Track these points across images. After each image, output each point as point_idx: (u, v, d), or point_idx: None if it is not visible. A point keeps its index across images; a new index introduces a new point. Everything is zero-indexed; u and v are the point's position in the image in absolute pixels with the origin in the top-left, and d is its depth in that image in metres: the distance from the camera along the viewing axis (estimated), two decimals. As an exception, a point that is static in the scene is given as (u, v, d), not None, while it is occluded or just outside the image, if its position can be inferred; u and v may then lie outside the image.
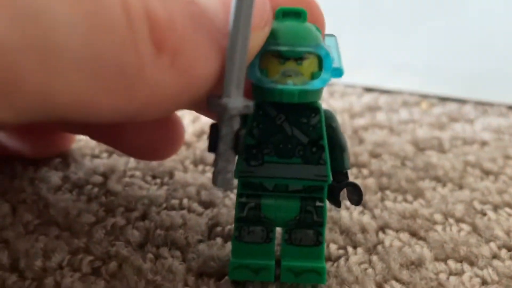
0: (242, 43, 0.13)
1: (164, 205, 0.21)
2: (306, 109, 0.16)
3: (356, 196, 0.17)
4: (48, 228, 0.19)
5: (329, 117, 0.17)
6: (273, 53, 0.15)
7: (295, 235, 0.17)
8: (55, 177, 0.22)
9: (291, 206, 0.17)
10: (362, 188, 0.17)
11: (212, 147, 0.14)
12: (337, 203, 0.17)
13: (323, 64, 0.15)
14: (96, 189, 0.21)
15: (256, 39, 0.14)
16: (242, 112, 0.14)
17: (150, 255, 0.18)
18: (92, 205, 0.20)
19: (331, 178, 0.16)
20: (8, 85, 0.10)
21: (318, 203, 0.17)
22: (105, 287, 0.17)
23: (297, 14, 0.15)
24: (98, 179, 0.22)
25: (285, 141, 0.16)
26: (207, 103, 0.14)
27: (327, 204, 0.17)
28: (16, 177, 0.22)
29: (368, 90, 0.33)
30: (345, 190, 0.17)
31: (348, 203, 0.17)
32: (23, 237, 0.19)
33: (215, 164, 0.14)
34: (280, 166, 0.16)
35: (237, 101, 0.13)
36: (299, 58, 0.15)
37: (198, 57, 0.13)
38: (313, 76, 0.15)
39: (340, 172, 0.17)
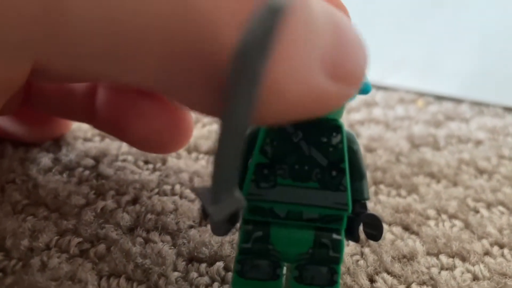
0: (239, 127, 0.10)
1: (156, 190, 0.20)
2: (327, 128, 0.14)
3: (376, 231, 0.15)
4: (36, 208, 0.19)
5: (351, 139, 0.15)
6: None
7: (307, 272, 0.14)
8: (46, 158, 0.22)
9: (304, 238, 0.14)
10: (382, 221, 0.15)
11: (204, 216, 0.13)
12: (355, 238, 0.15)
13: None
14: (87, 172, 0.21)
15: (332, 96, 0.11)
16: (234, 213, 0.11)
17: (139, 239, 0.18)
18: (83, 188, 0.20)
19: (351, 208, 0.14)
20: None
21: (335, 236, 0.14)
22: (93, 269, 0.16)
23: None
24: (90, 162, 0.22)
25: (302, 162, 0.14)
26: (196, 193, 0.12)
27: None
28: (6, 157, 0.22)
29: (365, 86, 0.32)
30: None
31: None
32: (11, 216, 0.18)
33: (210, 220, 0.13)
34: (295, 190, 0.14)
35: (226, 208, 0.11)
36: None
37: None
38: None
39: (358, 202, 0.15)
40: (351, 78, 0.11)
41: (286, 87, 0.10)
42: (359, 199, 0.15)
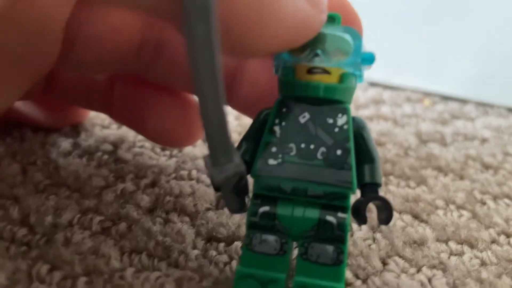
0: (214, 93, 0.11)
1: (174, 175, 0.21)
2: (333, 109, 0.15)
3: (385, 214, 0.15)
4: (58, 188, 0.19)
5: (360, 125, 0.15)
6: (300, 49, 0.14)
7: (312, 250, 0.14)
8: (66, 143, 0.22)
9: (309, 215, 0.14)
10: (392, 206, 0.15)
11: (215, 187, 0.14)
12: (362, 219, 0.15)
13: (352, 49, 0.14)
14: (106, 156, 0.22)
15: (312, 20, 0.13)
16: (233, 178, 0.13)
17: (159, 219, 0.18)
18: (102, 171, 0.21)
19: (356, 187, 0.14)
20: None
21: (340, 214, 0.14)
22: (115, 245, 0.17)
23: (330, 19, 0.15)
24: (108, 147, 0.22)
25: (308, 141, 0.14)
26: (204, 162, 0.13)
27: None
28: (26, 140, 0.22)
29: (373, 84, 0.33)
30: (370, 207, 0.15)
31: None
32: (34, 195, 0.19)
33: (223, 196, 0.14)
34: (301, 168, 0.14)
35: (225, 170, 0.12)
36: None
37: None
38: (343, 77, 0.15)
39: (369, 186, 0.15)
40: (321, 5, 0.13)
41: (281, 5, 0.12)
42: (369, 182, 0.15)
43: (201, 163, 0.22)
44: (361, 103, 0.30)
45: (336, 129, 0.14)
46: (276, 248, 0.14)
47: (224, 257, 0.17)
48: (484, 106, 0.32)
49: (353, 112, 0.29)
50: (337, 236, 0.14)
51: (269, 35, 0.12)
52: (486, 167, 0.25)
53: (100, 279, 0.15)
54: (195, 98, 0.15)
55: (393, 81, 0.33)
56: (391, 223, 0.20)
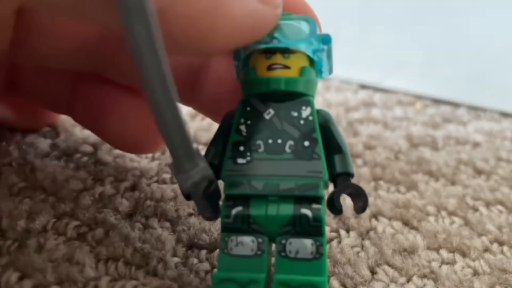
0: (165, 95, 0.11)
1: (155, 178, 0.20)
2: (297, 103, 0.15)
3: (361, 202, 0.15)
4: (33, 191, 0.18)
5: (326, 117, 0.15)
6: (260, 51, 0.15)
7: (290, 246, 0.14)
8: (44, 144, 0.21)
9: (283, 210, 0.14)
10: (367, 193, 0.15)
11: (186, 196, 0.14)
12: (336, 210, 0.15)
13: (308, 30, 0.15)
14: (85, 158, 0.21)
15: (265, 17, 0.14)
16: (202, 184, 0.12)
17: (138, 225, 0.17)
18: (81, 173, 0.20)
19: (327, 175, 0.14)
20: None
21: (314, 205, 0.14)
22: (91, 252, 0.16)
23: (287, 15, 0.15)
24: (88, 148, 0.21)
25: (275, 136, 0.15)
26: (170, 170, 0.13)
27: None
28: (2, 140, 0.21)
29: (363, 87, 0.33)
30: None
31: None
32: (7, 198, 0.18)
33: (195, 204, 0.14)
34: (270, 163, 0.14)
35: (191, 176, 0.12)
36: (285, 51, 0.15)
37: None
38: (303, 70, 0.15)
39: (341, 176, 0.15)
40: (274, 1, 0.14)
41: (232, 9, 0.12)
42: (340, 172, 0.15)
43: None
44: (352, 105, 0.30)
45: (302, 121, 0.15)
46: (253, 249, 0.14)
47: (206, 265, 0.16)
48: (476, 110, 0.31)
49: (344, 114, 0.28)
50: (314, 228, 0.14)
51: (222, 36, 0.13)
52: (479, 172, 0.24)
53: (73, 288, 0.15)
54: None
55: (384, 84, 0.32)
56: (379, 228, 0.19)
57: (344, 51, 0.34)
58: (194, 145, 0.12)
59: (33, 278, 0.15)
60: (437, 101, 0.32)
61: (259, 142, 0.15)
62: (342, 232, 0.19)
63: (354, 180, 0.20)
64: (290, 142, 0.14)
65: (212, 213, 0.14)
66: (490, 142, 0.28)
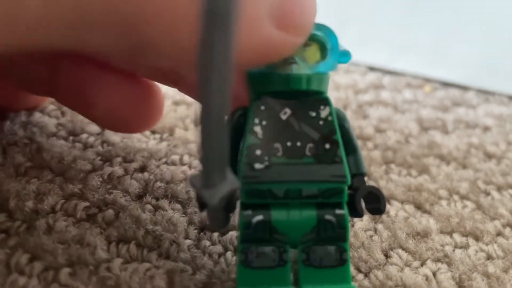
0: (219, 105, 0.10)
1: (164, 159, 0.20)
2: (314, 101, 0.14)
3: (379, 203, 0.14)
4: (40, 172, 0.18)
5: (341, 116, 0.14)
6: None
7: (314, 254, 0.13)
8: (49, 123, 0.21)
9: (306, 216, 0.13)
10: (384, 195, 0.14)
11: (201, 207, 0.13)
12: (358, 213, 0.14)
13: (330, 47, 0.13)
14: (92, 138, 0.20)
15: (279, 46, 0.12)
16: (227, 197, 0.11)
17: (149, 206, 0.17)
18: (88, 153, 0.19)
19: (349, 179, 0.14)
20: None
21: (338, 211, 0.13)
22: (101, 234, 0.16)
23: None
24: (95, 128, 0.21)
25: (294, 139, 0.13)
26: (190, 182, 0.11)
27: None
28: (7, 120, 0.21)
29: (372, 69, 0.32)
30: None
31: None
32: (14, 178, 0.17)
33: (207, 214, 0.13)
34: (290, 168, 0.13)
35: (219, 191, 0.11)
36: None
37: None
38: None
39: (355, 176, 0.14)
40: (299, 28, 0.12)
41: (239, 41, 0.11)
42: (356, 173, 0.14)
43: (193, 147, 0.21)
44: (361, 88, 0.29)
45: (321, 122, 0.14)
46: (275, 259, 0.13)
47: (219, 248, 0.16)
48: (485, 94, 0.31)
49: (353, 97, 0.28)
50: (338, 235, 0.13)
51: None
52: (489, 156, 0.24)
53: (85, 270, 0.14)
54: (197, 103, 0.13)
55: (393, 66, 0.32)
56: (391, 212, 0.19)
57: (352, 32, 0.33)
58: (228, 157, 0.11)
59: (44, 260, 0.15)
60: (446, 84, 0.31)
61: (277, 145, 0.13)
62: (355, 216, 0.18)
63: (366, 163, 0.20)
64: (310, 145, 0.13)
65: (223, 224, 0.13)
66: (500, 126, 0.27)
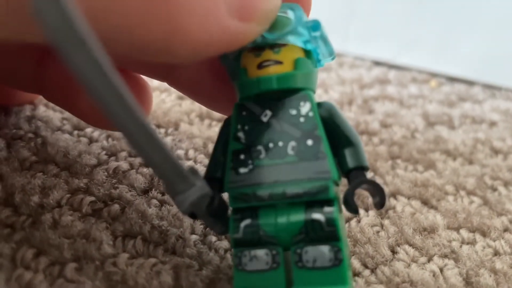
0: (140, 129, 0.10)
1: (170, 154, 0.20)
2: (294, 99, 0.14)
3: (378, 197, 0.13)
4: (46, 166, 0.18)
5: (328, 109, 0.14)
6: (248, 49, 0.14)
7: (307, 255, 0.13)
8: (54, 117, 0.21)
9: (293, 217, 0.13)
10: (384, 189, 0.14)
11: (189, 216, 0.13)
12: (352, 208, 0.13)
13: (294, 18, 0.13)
14: (97, 133, 0.20)
15: (237, 35, 0.12)
16: (202, 202, 0.12)
17: (154, 201, 0.17)
18: (93, 148, 0.19)
19: (336, 174, 0.13)
20: None
21: (326, 208, 0.13)
22: (107, 229, 0.16)
23: None
24: (100, 123, 0.21)
25: (275, 139, 0.13)
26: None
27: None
28: (12, 114, 0.21)
29: (377, 64, 0.32)
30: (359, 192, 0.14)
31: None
32: (19, 172, 0.17)
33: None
34: (274, 169, 0.13)
35: (188, 197, 0.11)
36: (274, 45, 0.13)
37: None
38: (297, 63, 0.13)
39: (354, 171, 0.13)
40: (260, 18, 0.12)
41: (189, 30, 0.11)
42: (353, 167, 0.13)
43: (198, 142, 0.21)
44: (366, 82, 0.29)
45: (302, 119, 0.13)
46: (268, 262, 0.13)
47: (225, 243, 0.16)
48: (491, 89, 0.31)
49: (359, 92, 0.28)
50: (328, 233, 0.13)
51: (181, 57, 0.11)
52: (496, 151, 0.24)
53: (91, 265, 0.14)
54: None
55: (398, 61, 0.32)
56: (398, 207, 0.19)
57: (358, 27, 0.33)
58: (187, 165, 0.11)
59: (50, 255, 0.15)
60: (452, 79, 0.31)
61: (260, 147, 0.13)
62: (361, 211, 0.18)
63: (372, 158, 0.20)
64: (292, 143, 0.13)
65: (223, 227, 0.13)
66: (506, 121, 0.27)
